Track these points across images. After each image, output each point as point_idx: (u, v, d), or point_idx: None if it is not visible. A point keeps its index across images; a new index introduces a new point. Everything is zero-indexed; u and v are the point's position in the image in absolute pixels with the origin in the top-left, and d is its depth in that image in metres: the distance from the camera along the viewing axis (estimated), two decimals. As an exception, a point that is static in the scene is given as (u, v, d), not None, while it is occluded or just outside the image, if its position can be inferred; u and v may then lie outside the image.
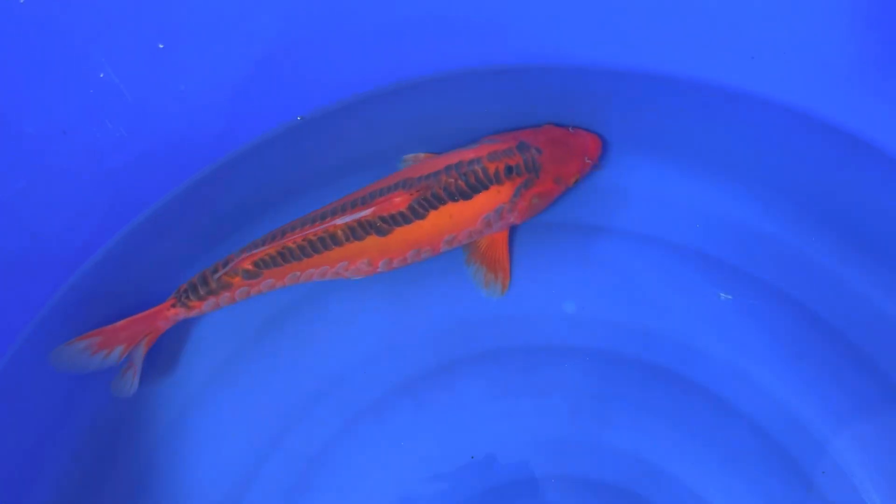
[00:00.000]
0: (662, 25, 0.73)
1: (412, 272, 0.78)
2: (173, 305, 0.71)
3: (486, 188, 0.70)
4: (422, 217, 0.69)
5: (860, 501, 0.74)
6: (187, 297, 0.71)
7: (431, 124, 0.79)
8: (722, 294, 0.78)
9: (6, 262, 0.68)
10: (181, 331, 0.77)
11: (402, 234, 0.70)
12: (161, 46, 0.64)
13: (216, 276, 0.70)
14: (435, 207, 0.69)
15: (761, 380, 0.77)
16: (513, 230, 0.78)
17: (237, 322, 0.78)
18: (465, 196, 0.70)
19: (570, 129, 0.76)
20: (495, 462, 0.77)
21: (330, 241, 0.69)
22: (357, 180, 0.75)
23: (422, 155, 0.77)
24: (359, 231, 0.69)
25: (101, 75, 0.63)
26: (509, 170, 0.71)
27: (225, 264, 0.70)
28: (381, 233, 0.69)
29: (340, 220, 0.69)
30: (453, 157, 0.71)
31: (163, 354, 0.75)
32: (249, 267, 0.70)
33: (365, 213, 0.69)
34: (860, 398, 0.76)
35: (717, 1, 0.70)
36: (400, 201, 0.68)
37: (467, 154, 0.71)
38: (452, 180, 0.69)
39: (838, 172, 0.77)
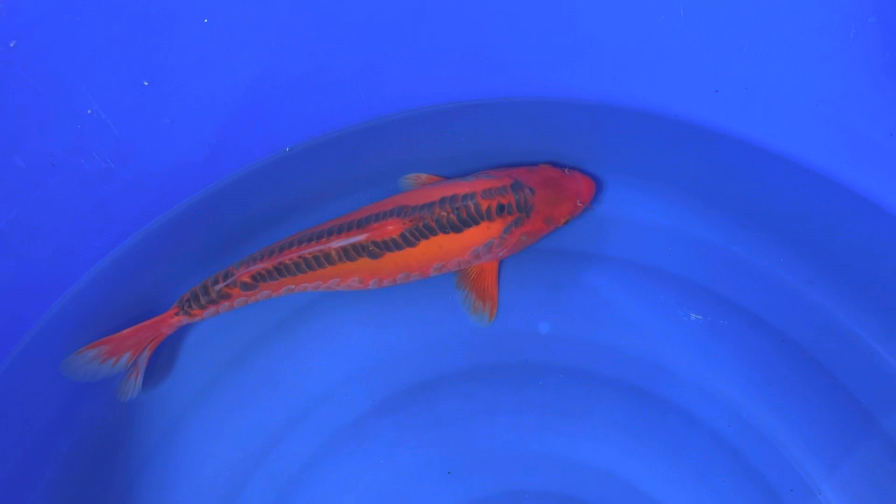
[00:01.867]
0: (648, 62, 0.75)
1: (393, 294, 0.80)
2: (177, 313, 0.74)
3: (477, 224, 0.72)
4: (413, 245, 0.72)
5: None
6: (189, 306, 0.74)
7: (429, 151, 0.81)
8: (693, 314, 0.80)
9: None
10: (165, 349, 0.78)
11: (392, 258, 0.72)
12: (146, 84, 0.67)
13: (217, 287, 0.73)
14: (426, 237, 0.72)
15: (731, 399, 0.78)
16: (501, 261, 0.79)
17: (222, 342, 0.80)
18: (456, 229, 0.72)
19: (566, 170, 0.77)
20: (472, 477, 0.79)
21: (324, 259, 0.72)
22: (356, 199, 0.78)
23: (423, 176, 0.79)
24: (352, 253, 0.72)
25: (89, 111, 0.66)
26: (501, 208, 0.72)
27: (225, 277, 0.73)
28: (373, 256, 0.72)
29: (335, 243, 0.71)
30: (448, 190, 0.73)
31: (149, 372, 0.77)
32: (248, 280, 0.73)
33: (359, 237, 0.71)
34: (827, 418, 0.77)
35: (688, 39, 0.71)
36: (393, 229, 0.71)
37: (462, 188, 0.73)
38: (445, 213, 0.71)
39: (802, 199, 0.79)
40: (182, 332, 0.80)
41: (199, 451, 0.78)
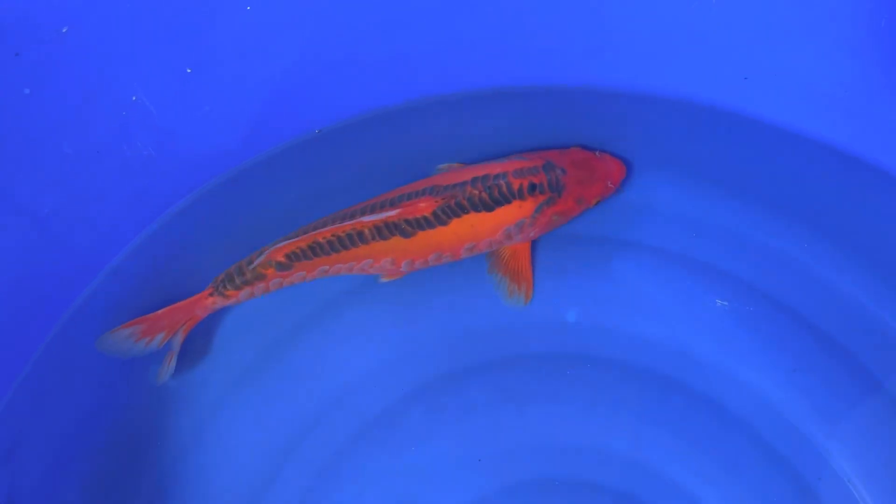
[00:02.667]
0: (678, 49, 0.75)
1: (422, 282, 0.80)
2: (210, 294, 0.74)
3: (509, 202, 0.73)
4: (444, 223, 0.72)
5: None
6: (224, 287, 0.74)
7: (464, 138, 0.82)
8: (718, 300, 0.80)
9: (41, 271, 0.71)
10: (197, 340, 0.79)
11: (425, 237, 0.73)
12: (189, 71, 0.68)
13: (251, 266, 0.73)
14: (458, 215, 0.72)
15: (759, 387, 0.78)
16: (533, 242, 0.80)
17: (252, 336, 0.81)
18: (488, 208, 0.72)
19: (596, 153, 0.78)
20: (502, 465, 0.78)
21: (357, 238, 0.72)
22: (388, 185, 0.78)
23: (455, 165, 0.80)
24: (384, 231, 0.72)
25: (134, 98, 0.67)
26: (533, 187, 0.73)
27: (259, 255, 0.73)
28: (406, 234, 0.72)
29: (368, 219, 0.72)
30: (481, 170, 0.74)
31: (180, 364, 0.77)
32: (282, 259, 0.73)
33: (391, 214, 0.72)
34: (856, 406, 0.77)
35: (718, 26, 0.72)
36: (425, 206, 0.71)
37: (495, 168, 0.74)
38: (477, 192, 0.72)
39: (830, 185, 0.79)
40: (212, 324, 0.80)
41: (231, 442, 0.79)
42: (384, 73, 0.77)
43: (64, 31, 0.60)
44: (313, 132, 0.79)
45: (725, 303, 0.80)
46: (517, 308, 0.80)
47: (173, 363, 0.75)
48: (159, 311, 0.74)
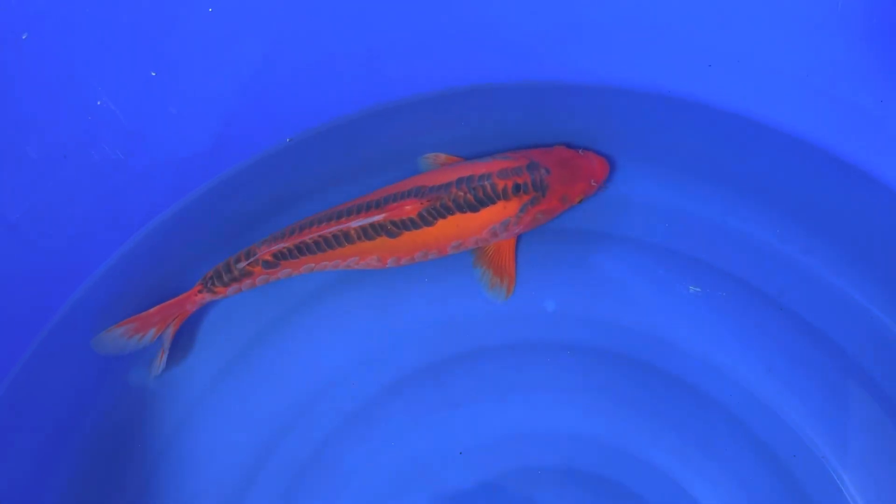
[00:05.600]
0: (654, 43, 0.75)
1: (399, 274, 0.80)
2: (200, 291, 0.76)
3: (494, 203, 0.73)
4: (430, 224, 0.73)
5: (830, 481, 0.76)
6: (213, 284, 0.76)
7: (448, 133, 0.82)
8: (691, 287, 0.81)
9: (16, 277, 0.71)
10: (179, 340, 0.79)
11: (410, 237, 0.73)
12: (153, 74, 0.67)
13: (239, 265, 0.75)
14: (443, 216, 0.73)
15: (733, 369, 0.79)
16: (518, 237, 0.80)
17: (228, 333, 0.81)
18: (473, 209, 0.73)
19: (580, 151, 0.78)
20: (484, 457, 0.79)
21: (343, 238, 0.73)
22: (376, 181, 0.78)
23: (442, 156, 0.80)
24: (370, 232, 0.73)
25: (99, 102, 0.66)
26: (517, 187, 0.73)
27: (248, 255, 0.75)
28: (392, 235, 0.73)
29: (355, 223, 0.73)
30: (465, 170, 0.74)
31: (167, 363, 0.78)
32: (269, 258, 0.75)
33: (377, 217, 0.72)
34: (826, 382, 0.78)
35: (675, 16, 0.72)
36: (411, 209, 0.72)
37: (479, 168, 0.74)
38: (462, 193, 0.72)
39: (799, 171, 0.79)
40: (191, 322, 0.80)
41: (211, 440, 0.79)
42: (358, 75, 0.78)
43: (24, 37, 0.60)
44: (299, 130, 0.80)
45: (699, 289, 0.81)
46: (497, 299, 0.80)
47: (165, 357, 0.77)
48: (150, 310, 0.76)
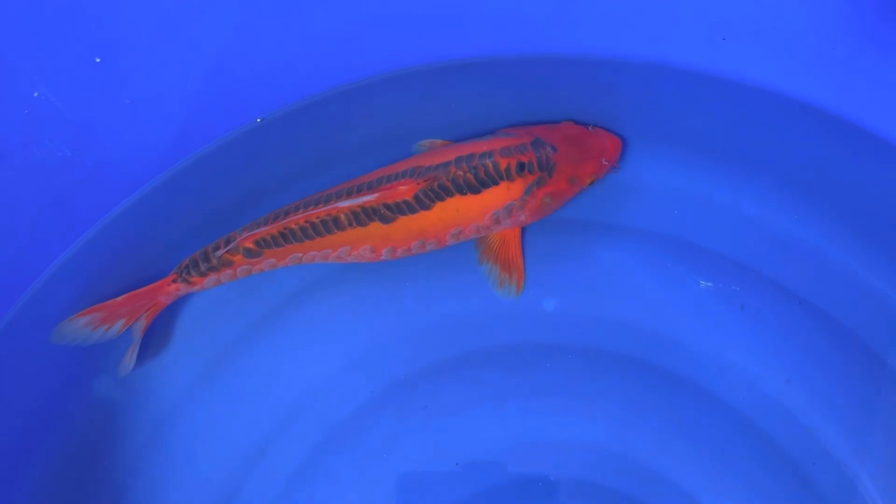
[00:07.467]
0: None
1: (387, 271, 0.77)
2: (174, 281, 0.72)
3: (496, 184, 0.69)
4: (427, 208, 0.69)
5: (854, 492, 0.73)
6: (188, 273, 0.72)
7: (446, 111, 0.78)
8: (702, 281, 0.78)
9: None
10: (150, 343, 0.76)
11: (406, 223, 0.69)
12: (98, 60, 0.61)
13: (217, 253, 0.71)
14: (441, 199, 0.69)
15: (747, 370, 0.76)
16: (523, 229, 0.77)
17: (208, 335, 0.78)
18: (474, 190, 0.69)
19: (589, 127, 0.74)
20: (482, 468, 0.76)
21: (333, 224, 0.69)
22: (365, 165, 0.75)
23: (438, 141, 0.76)
24: (362, 217, 0.69)
25: (36, 94, 0.60)
26: (521, 167, 0.69)
27: (227, 242, 0.70)
28: (385, 220, 0.69)
29: (344, 204, 0.68)
30: (465, 149, 0.70)
31: (136, 368, 0.74)
32: (251, 246, 0.70)
33: (369, 198, 0.68)
34: (852, 385, 0.75)
35: None
36: (406, 190, 0.68)
37: (480, 147, 0.70)
38: (462, 173, 0.68)
39: (820, 150, 0.75)
40: (165, 323, 0.77)
41: (190, 452, 0.76)
42: (354, 45, 0.73)
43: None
44: (254, 119, 0.76)
45: (710, 284, 0.78)
46: (494, 297, 0.77)
47: (134, 354, 0.73)
48: (118, 298, 0.71)
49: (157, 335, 0.76)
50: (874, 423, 0.74)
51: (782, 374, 0.76)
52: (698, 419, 0.76)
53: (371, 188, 0.69)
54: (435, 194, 0.68)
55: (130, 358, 0.72)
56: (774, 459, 0.75)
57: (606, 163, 0.74)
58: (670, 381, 0.77)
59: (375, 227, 0.69)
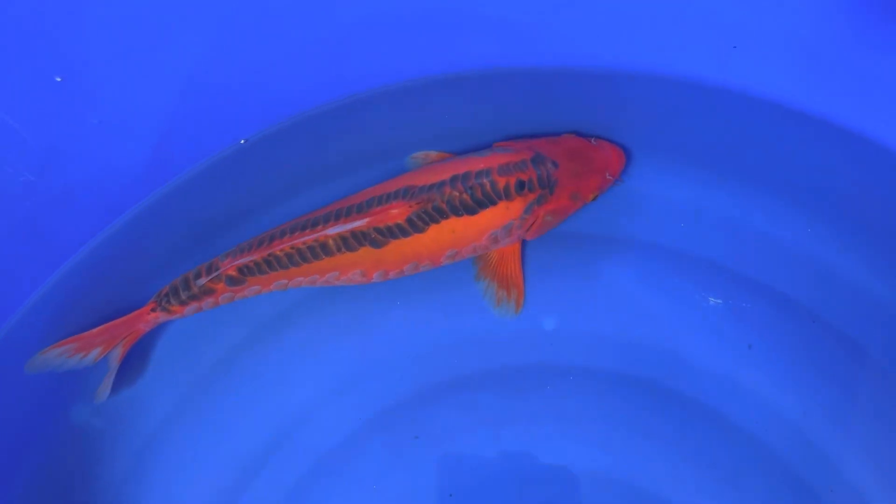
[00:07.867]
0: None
1: (377, 291, 0.75)
2: (153, 309, 0.70)
3: (495, 203, 0.67)
4: (421, 230, 0.66)
5: None
6: (168, 302, 0.70)
7: (443, 124, 0.77)
8: (711, 298, 0.75)
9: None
10: (130, 368, 0.74)
11: (398, 246, 0.67)
12: (59, 80, 0.58)
13: (199, 281, 0.69)
14: (436, 221, 0.66)
15: (759, 392, 0.74)
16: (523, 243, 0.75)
17: (189, 359, 0.76)
18: (471, 211, 0.67)
19: (591, 140, 0.72)
20: (478, 499, 0.74)
21: (320, 250, 0.67)
22: (356, 180, 0.74)
23: (432, 153, 0.74)
24: (352, 242, 0.67)
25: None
26: (521, 185, 0.67)
27: (209, 270, 0.69)
28: (377, 245, 0.67)
29: (332, 230, 0.66)
30: (461, 167, 0.68)
31: (113, 395, 0.73)
32: (234, 273, 0.69)
33: (359, 223, 0.66)
34: (870, 407, 0.73)
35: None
36: (398, 213, 0.65)
37: (476, 163, 0.68)
38: (457, 193, 0.66)
39: (831, 163, 0.74)
40: (143, 348, 0.75)
41: (171, 484, 0.74)
42: (327, 59, 0.71)
43: None
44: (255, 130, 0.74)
45: (719, 301, 0.76)
46: (491, 316, 0.75)
47: (110, 381, 0.71)
48: (93, 330, 0.70)
49: (135, 361, 0.74)
50: (892, 448, 0.71)
51: (796, 396, 0.73)
52: (711, 444, 0.74)
53: (361, 211, 0.66)
54: (429, 216, 0.66)
55: (107, 385, 0.70)
56: (790, 485, 0.72)
57: (610, 177, 0.72)
58: (679, 403, 0.75)
59: (366, 252, 0.67)
